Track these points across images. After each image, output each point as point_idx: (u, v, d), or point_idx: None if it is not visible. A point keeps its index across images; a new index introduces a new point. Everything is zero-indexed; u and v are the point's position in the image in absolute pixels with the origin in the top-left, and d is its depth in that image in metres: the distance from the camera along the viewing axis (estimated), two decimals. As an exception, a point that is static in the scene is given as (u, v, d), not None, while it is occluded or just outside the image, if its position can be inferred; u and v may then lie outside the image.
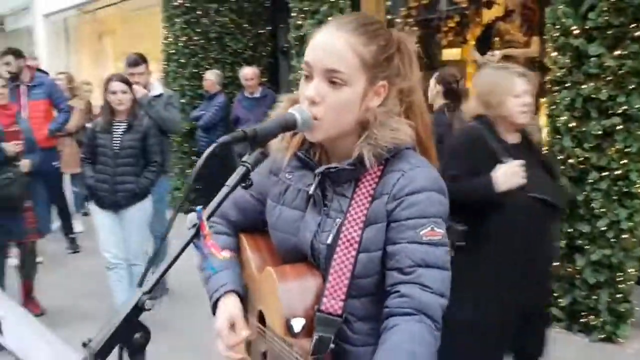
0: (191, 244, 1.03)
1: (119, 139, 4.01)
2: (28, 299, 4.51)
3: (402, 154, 1.23)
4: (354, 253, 1.19)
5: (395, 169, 1.21)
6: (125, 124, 4.04)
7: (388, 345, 1.12)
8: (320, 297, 1.20)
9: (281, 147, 1.30)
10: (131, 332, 0.95)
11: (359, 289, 1.21)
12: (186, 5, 7.24)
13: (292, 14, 5.62)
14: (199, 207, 1.01)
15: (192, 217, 1.02)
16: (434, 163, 1.29)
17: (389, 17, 5.65)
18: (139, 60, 4.72)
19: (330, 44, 1.18)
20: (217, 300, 1.32)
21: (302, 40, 5.30)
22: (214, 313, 1.31)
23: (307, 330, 1.19)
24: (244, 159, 1.09)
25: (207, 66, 7.28)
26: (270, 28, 7.55)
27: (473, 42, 5.56)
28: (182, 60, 7.39)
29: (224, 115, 6.73)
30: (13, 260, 4.63)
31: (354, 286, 1.19)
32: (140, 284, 0.99)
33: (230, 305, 1.30)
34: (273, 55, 7.82)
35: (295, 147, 1.30)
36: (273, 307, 1.25)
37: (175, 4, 7.30)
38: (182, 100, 7.41)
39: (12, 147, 4.14)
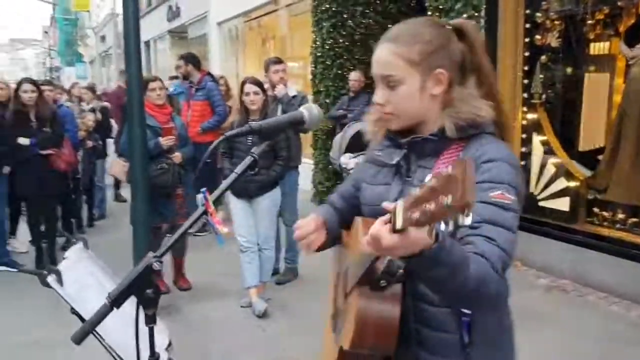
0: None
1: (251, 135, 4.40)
2: (179, 275, 5.13)
3: (482, 136, 1.36)
4: None
5: (474, 145, 1.35)
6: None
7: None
8: None
9: (373, 132, 1.51)
10: (143, 288, 1.19)
11: None
12: (333, 9, 7.57)
13: (428, 13, 5.67)
14: (203, 189, 1.23)
15: (200, 197, 1.24)
16: (510, 144, 1.41)
17: (528, 11, 5.44)
18: (280, 59, 5.19)
19: (379, 56, 1.39)
20: None
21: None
22: None
23: None
24: (252, 150, 1.29)
25: (350, 67, 7.52)
26: (413, 27, 7.59)
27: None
28: (328, 62, 7.73)
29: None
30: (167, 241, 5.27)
31: None
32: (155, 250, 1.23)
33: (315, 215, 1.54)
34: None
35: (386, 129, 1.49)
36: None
37: (323, 8, 7.66)
38: (327, 100, 7.77)
39: (166, 141, 4.75)
